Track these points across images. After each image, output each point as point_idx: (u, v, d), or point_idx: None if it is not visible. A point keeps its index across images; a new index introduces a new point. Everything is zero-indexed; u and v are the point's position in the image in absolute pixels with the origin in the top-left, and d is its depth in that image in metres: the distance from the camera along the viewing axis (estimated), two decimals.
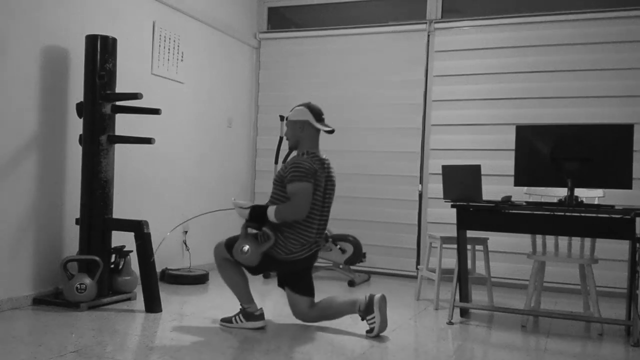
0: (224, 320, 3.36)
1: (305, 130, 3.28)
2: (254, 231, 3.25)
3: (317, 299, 3.42)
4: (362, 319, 3.24)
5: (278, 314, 3.67)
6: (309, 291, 3.37)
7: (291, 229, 3.18)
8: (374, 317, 3.17)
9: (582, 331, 3.55)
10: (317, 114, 3.31)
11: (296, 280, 3.35)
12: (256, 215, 3.19)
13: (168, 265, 4.82)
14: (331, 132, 3.33)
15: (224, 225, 5.61)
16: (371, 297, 3.19)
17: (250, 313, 3.29)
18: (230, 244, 3.26)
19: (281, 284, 3.43)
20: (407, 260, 5.44)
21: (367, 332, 3.21)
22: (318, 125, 3.28)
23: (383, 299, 3.19)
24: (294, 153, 3.38)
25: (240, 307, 3.34)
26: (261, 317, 3.31)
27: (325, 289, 4.62)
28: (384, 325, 3.18)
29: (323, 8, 5.95)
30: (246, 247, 3.15)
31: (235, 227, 5.82)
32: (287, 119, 3.35)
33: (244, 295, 3.32)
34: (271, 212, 3.14)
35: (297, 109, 3.32)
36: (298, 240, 3.19)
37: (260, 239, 3.18)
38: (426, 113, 5.42)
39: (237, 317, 3.32)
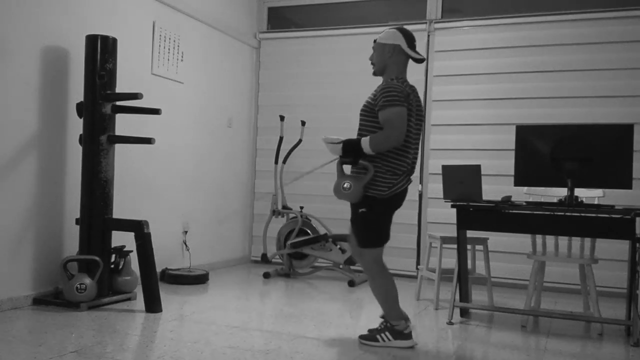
0: (364, 337, 3.08)
1: (394, 56, 3.00)
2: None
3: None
4: (383, 324, 3.04)
5: (279, 314, 3.67)
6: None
7: (387, 160, 2.93)
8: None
9: (582, 331, 3.55)
10: (410, 39, 3.03)
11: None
12: (350, 148, 2.93)
13: (168, 265, 4.82)
14: (422, 60, 3.07)
15: (224, 225, 5.61)
16: (409, 336, 3.00)
17: (399, 331, 3.02)
18: (368, 239, 3.00)
19: (387, 239, 3.09)
20: (407, 260, 5.44)
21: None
22: (409, 52, 3.01)
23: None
24: (383, 80, 3.03)
25: (385, 323, 3.07)
26: (410, 335, 3.04)
27: (326, 289, 4.62)
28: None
29: (323, 8, 5.95)
30: (347, 184, 2.91)
31: (235, 226, 5.83)
32: (375, 41, 3.06)
33: (394, 310, 3.03)
34: (365, 142, 2.88)
35: (388, 31, 3.02)
36: (396, 171, 2.94)
37: (358, 173, 2.97)
38: (426, 113, 5.42)
39: (383, 334, 3.03)
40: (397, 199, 3.01)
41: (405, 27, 3.10)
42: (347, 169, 3.07)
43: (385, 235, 3.05)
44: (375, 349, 2.98)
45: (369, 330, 3.14)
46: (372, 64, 3.09)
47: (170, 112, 4.82)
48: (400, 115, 2.85)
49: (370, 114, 2.96)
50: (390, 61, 3.02)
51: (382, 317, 3.09)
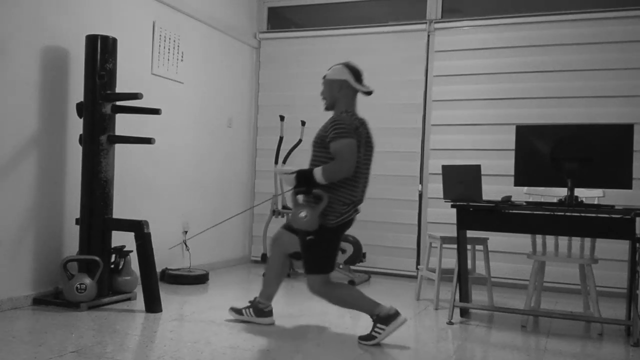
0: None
1: (342, 90, 3.15)
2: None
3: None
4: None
5: (279, 314, 3.67)
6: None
7: (338, 189, 3.05)
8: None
9: (582, 331, 3.55)
10: (357, 74, 3.18)
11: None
12: (303, 178, 3.05)
13: (168, 265, 4.82)
14: (369, 93, 3.19)
15: (224, 224, 5.61)
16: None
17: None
18: (315, 266, 3.13)
19: (334, 266, 3.22)
20: (407, 260, 5.44)
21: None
22: (357, 86, 3.16)
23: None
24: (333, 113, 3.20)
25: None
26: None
27: None
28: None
29: (323, 8, 5.95)
30: (303, 213, 3.00)
31: (234, 226, 5.83)
32: (324, 77, 3.22)
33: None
34: (318, 173, 3.00)
35: (335, 67, 3.19)
36: (345, 201, 3.06)
37: (313, 202, 3.06)
38: (426, 113, 5.42)
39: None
40: (344, 228, 3.14)
41: (351, 63, 3.22)
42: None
43: (331, 262, 3.16)
44: (376, 349, 2.98)
45: (360, 337, 3.12)
46: (323, 99, 3.24)
47: (170, 112, 4.82)
48: (350, 147, 2.98)
49: (321, 146, 3.09)
50: (340, 95, 3.17)
51: (372, 317, 3.10)
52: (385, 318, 3.04)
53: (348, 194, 3.07)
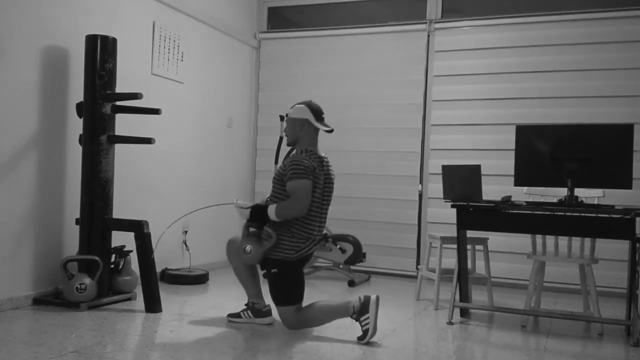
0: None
1: (304, 129, 3.27)
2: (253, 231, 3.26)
3: (315, 299, 3.41)
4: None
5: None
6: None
7: (293, 227, 3.18)
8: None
9: (582, 331, 3.55)
10: (317, 113, 3.30)
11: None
12: (257, 214, 3.19)
13: (168, 265, 4.82)
14: (330, 131, 3.33)
15: (224, 224, 5.61)
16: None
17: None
18: (284, 298, 3.25)
19: (302, 296, 3.32)
20: (407, 260, 5.44)
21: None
22: (317, 125, 3.28)
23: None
24: (295, 151, 3.39)
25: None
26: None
27: (325, 289, 4.62)
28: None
29: (323, 8, 5.95)
30: (248, 247, 3.17)
31: (234, 226, 5.83)
32: (287, 116, 3.35)
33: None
34: (272, 210, 3.14)
35: (297, 106, 3.31)
36: (302, 236, 3.19)
37: (262, 239, 3.20)
38: (426, 113, 5.42)
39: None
40: (304, 261, 3.27)
41: (312, 103, 3.33)
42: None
43: (299, 293, 3.26)
44: (376, 349, 2.98)
45: (359, 338, 3.12)
46: (285, 136, 3.36)
47: (170, 112, 4.82)
48: (305, 188, 3.11)
49: (280, 183, 3.22)
50: (301, 134, 3.29)
51: (352, 316, 3.14)
52: (361, 309, 3.11)
53: (303, 230, 3.20)
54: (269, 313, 3.40)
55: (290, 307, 3.22)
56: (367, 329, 3.07)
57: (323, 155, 3.32)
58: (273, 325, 3.36)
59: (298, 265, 3.25)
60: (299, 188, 3.10)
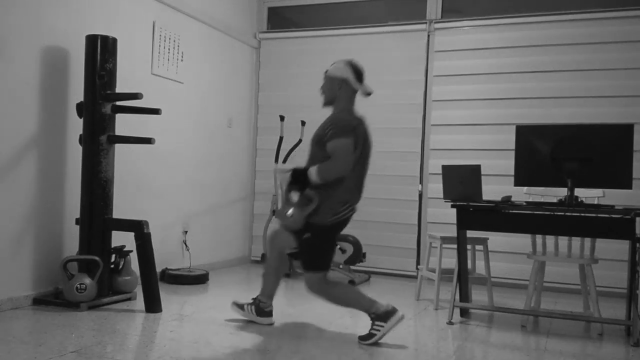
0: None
1: (343, 89, 3.14)
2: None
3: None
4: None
5: (279, 314, 3.67)
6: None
7: (333, 188, 3.05)
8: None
9: (582, 331, 3.55)
10: (358, 74, 3.17)
11: None
12: (298, 177, 3.06)
13: (168, 265, 4.82)
14: (369, 94, 3.19)
15: (224, 224, 5.62)
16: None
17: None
18: (312, 264, 3.17)
19: (330, 264, 3.25)
20: (407, 260, 5.44)
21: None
22: (357, 86, 3.15)
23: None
24: (332, 112, 3.21)
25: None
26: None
27: None
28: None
29: (323, 8, 5.95)
30: (290, 211, 3.04)
31: (234, 226, 5.83)
32: (326, 72, 3.21)
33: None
34: (313, 172, 3.01)
35: (338, 64, 3.17)
36: (340, 199, 3.07)
37: (303, 202, 3.07)
38: (426, 113, 5.42)
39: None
40: (339, 227, 3.16)
41: (354, 61, 3.21)
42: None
43: (327, 260, 3.18)
44: (376, 349, 2.98)
45: (360, 337, 3.12)
46: (322, 94, 3.23)
47: (170, 112, 4.82)
48: (347, 147, 2.99)
49: (319, 144, 3.09)
50: (339, 93, 3.15)
51: (370, 315, 3.10)
52: (383, 315, 3.05)
53: (343, 193, 3.07)
54: (270, 314, 3.39)
55: (317, 273, 3.12)
56: (373, 335, 3.04)
57: (360, 116, 3.18)
58: (267, 329, 3.36)
59: (332, 231, 3.13)
60: (340, 147, 2.97)
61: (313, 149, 3.14)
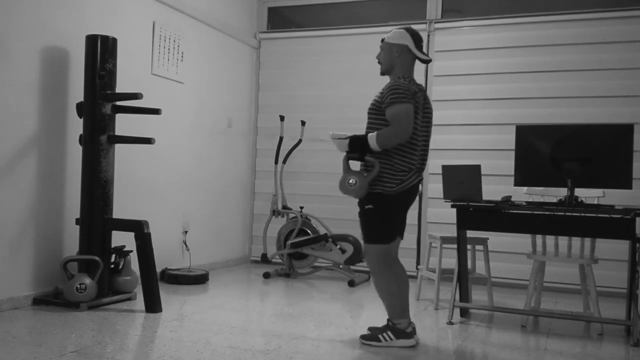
0: (365, 337, 3.07)
1: (402, 56, 3.04)
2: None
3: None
4: (387, 324, 3.05)
5: (279, 314, 3.67)
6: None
7: (393, 156, 2.94)
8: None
9: (582, 331, 3.55)
10: (418, 40, 3.07)
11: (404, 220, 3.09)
12: (356, 144, 2.95)
13: (168, 265, 4.82)
14: (428, 61, 3.10)
15: (224, 224, 5.61)
16: (410, 335, 3.00)
17: (401, 330, 3.02)
18: (373, 235, 3.00)
19: (393, 236, 3.06)
20: (407, 260, 5.43)
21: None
22: (417, 52, 3.05)
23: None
24: (390, 80, 3.06)
25: (388, 322, 3.07)
26: (413, 333, 3.05)
27: (326, 289, 4.62)
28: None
29: (323, 8, 5.95)
30: (353, 180, 2.92)
31: (234, 226, 5.83)
32: (383, 40, 3.11)
33: (398, 309, 3.03)
34: (372, 138, 2.90)
35: (396, 30, 3.07)
36: (403, 167, 2.94)
37: (365, 170, 2.99)
38: None
39: (385, 334, 3.02)
40: (406, 196, 3.00)
41: (412, 29, 3.11)
42: (355, 165, 3.07)
43: (390, 232, 3.02)
44: (376, 349, 2.98)
45: (370, 329, 3.13)
46: (379, 62, 3.12)
47: (170, 112, 4.82)
48: (407, 112, 2.88)
49: (377, 112, 2.98)
50: (398, 61, 3.05)
51: (390, 321, 3.06)
52: (399, 332, 3.01)
53: (406, 160, 2.95)
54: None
55: (378, 245, 2.99)
56: (379, 340, 3.01)
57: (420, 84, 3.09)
58: (273, 326, 3.35)
59: (398, 201, 2.98)
60: (400, 112, 2.86)
61: (371, 118, 3.02)
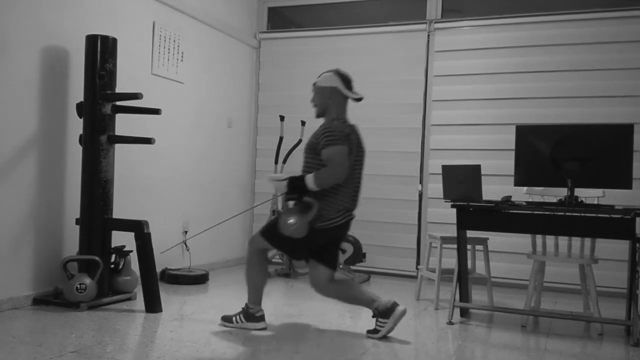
0: (224, 318, 3.34)
1: (333, 97, 3.20)
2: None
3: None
4: (374, 317, 3.21)
5: (279, 314, 3.67)
6: (333, 264, 3.27)
7: (327, 196, 3.10)
8: (385, 324, 3.15)
9: (582, 331, 3.55)
10: (347, 81, 3.24)
11: (323, 250, 3.25)
12: (295, 185, 3.10)
13: (168, 265, 4.82)
14: (359, 99, 3.24)
15: (224, 224, 5.61)
16: (394, 306, 3.14)
17: (251, 314, 3.28)
18: (267, 231, 3.19)
19: (305, 256, 3.30)
20: (407, 260, 5.44)
21: (370, 331, 3.21)
22: (347, 93, 3.21)
23: (404, 313, 3.16)
24: (324, 121, 3.25)
25: (243, 306, 3.34)
26: (262, 318, 3.30)
27: None
28: (385, 334, 3.18)
29: (323, 8, 5.95)
30: (292, 219, 3.03)
31: (234, 226, 5.83)
32: (314, 84, 3.26)
33: (255, 296, 3.29)
34: (310, 179, 3.05)
35: (325, 74, 3.24)
36: (333, 207, 3.10)
37: (303, 210, 3.08)
38: (426, 113, 5.42)
39: (238, 316, 3.30)
40: (331, 232, 3.16)
41: (341, 70, 3.28)
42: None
43: (294, 248, 3.20)
44: (373, 349, 2.98)
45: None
46: (314, 106, 3.28)
47: (170, 112, 4.82)
48: (341, 154, 3.03)
49: (313, 152, 3.14)
50: (330, 102, 3.21)
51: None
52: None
53: (339, 200, 3.12)
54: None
55: (266, 242, 3.18)
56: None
57: (353, 123, 3.24)
58: (266, 330, 3.34)
59: (318, 236, 3.12)
60: (335, 154, 3.02)
61: (307, 158, 3.19)
